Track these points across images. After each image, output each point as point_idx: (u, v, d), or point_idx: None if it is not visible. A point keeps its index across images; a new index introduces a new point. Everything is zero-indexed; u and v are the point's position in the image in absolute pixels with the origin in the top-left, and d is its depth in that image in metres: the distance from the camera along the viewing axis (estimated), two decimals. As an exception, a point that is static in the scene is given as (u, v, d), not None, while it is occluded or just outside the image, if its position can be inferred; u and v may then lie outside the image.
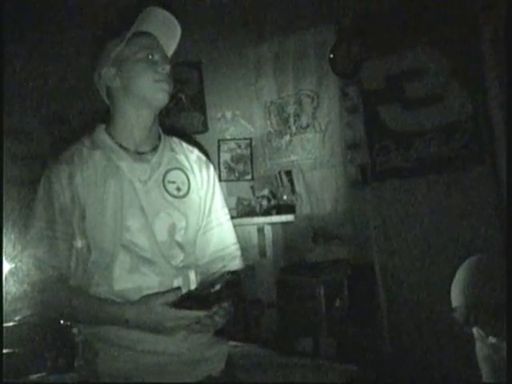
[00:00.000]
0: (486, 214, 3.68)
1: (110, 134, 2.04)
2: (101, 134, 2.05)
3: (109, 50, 2.03)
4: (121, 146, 2.02)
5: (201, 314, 1.80)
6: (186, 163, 2.12)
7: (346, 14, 4.51)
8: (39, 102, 4.34)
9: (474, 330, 2.43)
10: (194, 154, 2.17)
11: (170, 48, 2.09)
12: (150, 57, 1.98)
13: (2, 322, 2.02)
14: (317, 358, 3.91)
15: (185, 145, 2.18)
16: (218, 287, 1.81)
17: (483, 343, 2.49)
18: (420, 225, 4.12)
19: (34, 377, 3.09)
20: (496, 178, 3.79)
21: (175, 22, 2.07)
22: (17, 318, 3.23)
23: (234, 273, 2.04)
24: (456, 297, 2.42)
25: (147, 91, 1.98)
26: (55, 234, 1.91)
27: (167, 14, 2.05)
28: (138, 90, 1.98)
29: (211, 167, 2.19)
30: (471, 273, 2.38)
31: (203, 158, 2.19)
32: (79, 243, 1.93)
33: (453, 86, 3.96)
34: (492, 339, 2.37)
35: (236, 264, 2.16)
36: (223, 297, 1.81)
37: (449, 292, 2.47)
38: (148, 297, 1.86)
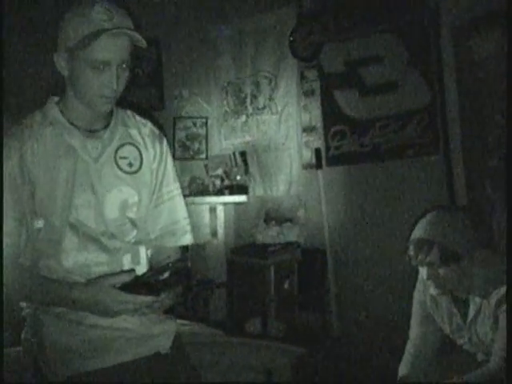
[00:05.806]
0: (438, 202, 3.71)
1: (61, 111, 1.98)
2: (52, 109, 1.98)
3: (66, 30, 1.85)
4: (72, 123, 1.96)
5: (149, 299, 1.79)
6: (138, 138, 2.07)
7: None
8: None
9: (421, 271, 2.42)
10: (147, 127, 2.13)
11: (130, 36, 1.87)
12: (103, 67, 1.84)
13: (2, 322, 1.98)
14: (265, 338, 3.94)
15: (138, 118, 2.13)
16: (166, 274, 1.81)
17: (424, 289, 2.51)
18: (372, 211, 4.16)
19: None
20: (449, 167, 3.83)
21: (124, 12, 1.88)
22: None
23: (183, 260, 2.03)
24: (413, 233, 2.41)
25: (90, 100, 1.90)
26: (5, 212, 1.87)
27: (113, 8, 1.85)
28: (82, 94, 1.91)
29: (164, 141, 2.15)
30: (430, 215, 2.39)
31: (156, 131, 2.14)
32: (29, 221, 1.90)
33: (410, 75, 3.99)
34: (433, 291, 2.38)
35: (187, 239, 2.15)
36: (172, 284, 1.82)
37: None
38: (98, 278, 1.84)
